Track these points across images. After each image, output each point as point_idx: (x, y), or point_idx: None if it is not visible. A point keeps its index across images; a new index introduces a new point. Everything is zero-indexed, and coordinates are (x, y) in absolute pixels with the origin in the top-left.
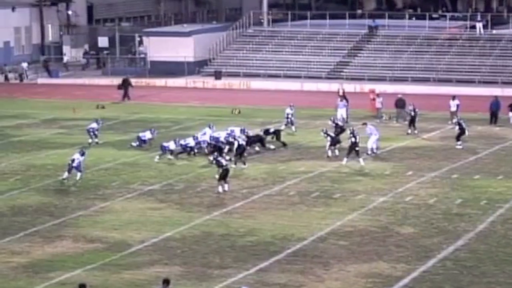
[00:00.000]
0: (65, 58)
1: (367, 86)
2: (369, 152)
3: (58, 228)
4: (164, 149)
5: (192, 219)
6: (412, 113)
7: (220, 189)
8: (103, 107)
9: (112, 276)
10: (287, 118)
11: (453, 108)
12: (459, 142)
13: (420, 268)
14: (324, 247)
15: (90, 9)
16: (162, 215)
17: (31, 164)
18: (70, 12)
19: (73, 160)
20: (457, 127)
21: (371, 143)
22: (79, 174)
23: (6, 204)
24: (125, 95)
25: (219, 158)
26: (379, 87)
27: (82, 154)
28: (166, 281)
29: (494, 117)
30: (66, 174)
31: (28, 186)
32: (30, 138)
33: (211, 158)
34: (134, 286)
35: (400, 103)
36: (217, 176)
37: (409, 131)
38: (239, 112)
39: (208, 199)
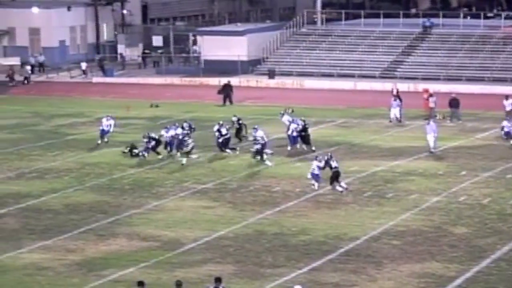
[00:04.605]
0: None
1: (420, 86)
2: (433, 150)
3: (112, 226)
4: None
5: (245, 218)
6: None
7: (339, 188)
8: (157, 106)
9: (165, 274)
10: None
11: (508, 108)
12: None
13: (473, 268)
14: (377, 246)
15: (144, 8)
16: (215, 213)
17: (86, 162)
18: (125, 12)
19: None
20: None
21: (431, 141)
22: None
23: (61, 202)
24: (225, 99)
25: (331, 161)
26: (433, 87)
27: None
28: (218, 280)
29: None
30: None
31: (83, 184)
32: (85, 137)
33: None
34: (187, 284)
35: (454, 103)
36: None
37: None
38: (292, 111)
39: (261, 198)
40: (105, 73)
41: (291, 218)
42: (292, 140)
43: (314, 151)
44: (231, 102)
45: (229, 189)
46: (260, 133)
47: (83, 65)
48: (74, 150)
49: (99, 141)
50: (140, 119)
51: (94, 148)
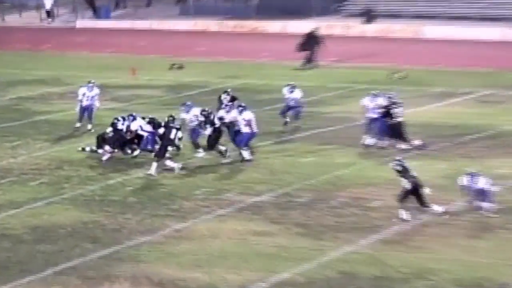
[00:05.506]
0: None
1: None
2: None
3: (108, 263)
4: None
5: (324, 252)
6: None
7: (403, 215)
8: (180, 67)
9: None
10: None
11: None
12: None
13: None
14: None
15: None
16: (275, 244)
17: (65, 158)
18: None
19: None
20: None
21: None
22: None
23: (25, 223)
24: (311, 57)
25: (405, 165)
26: None
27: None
28: None
29: None
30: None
31: (60, 194)
32: (63, 117)
33: (394, 164)
34: None
35: None
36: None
37: None
38: (404, 77)
39: (351, 219)
40: (96, 13)
41: (400, 252)
42: (378, 129)
43: (425, 145)
44: (309, 61)
45: (298, 204)
46: (233, 114)
47: (48, 3)
48: (46, 138)
49: (78, 124)
50: (153, 89)
51: (73, 135)
